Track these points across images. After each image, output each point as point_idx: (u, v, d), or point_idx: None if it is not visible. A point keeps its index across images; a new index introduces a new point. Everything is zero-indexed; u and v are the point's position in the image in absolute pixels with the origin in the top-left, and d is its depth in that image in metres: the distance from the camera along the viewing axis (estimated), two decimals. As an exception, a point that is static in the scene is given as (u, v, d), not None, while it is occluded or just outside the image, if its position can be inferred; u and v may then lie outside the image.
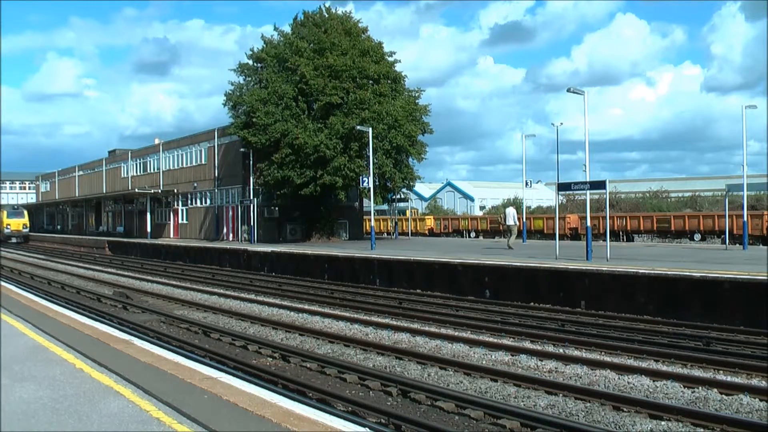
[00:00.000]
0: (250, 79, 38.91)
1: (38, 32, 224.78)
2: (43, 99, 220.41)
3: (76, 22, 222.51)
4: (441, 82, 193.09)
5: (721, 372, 10.51)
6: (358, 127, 32.96)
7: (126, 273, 31.41)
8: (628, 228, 41.12)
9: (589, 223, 22.75)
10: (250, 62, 39.46)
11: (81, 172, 73.14)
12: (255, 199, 39.97)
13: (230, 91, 39.02)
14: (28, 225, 68.67)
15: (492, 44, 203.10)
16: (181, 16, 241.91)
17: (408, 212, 56.06)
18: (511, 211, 29.25)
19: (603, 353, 11.98)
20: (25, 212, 69.99)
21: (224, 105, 39.36)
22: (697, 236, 37.81)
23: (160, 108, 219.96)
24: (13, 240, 64.47)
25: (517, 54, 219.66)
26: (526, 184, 38.72)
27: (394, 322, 15.71)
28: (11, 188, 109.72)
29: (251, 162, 39.36)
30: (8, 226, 65.56)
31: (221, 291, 22.96)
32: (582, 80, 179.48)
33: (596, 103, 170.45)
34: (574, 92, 22.92)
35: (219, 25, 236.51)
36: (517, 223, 29.53)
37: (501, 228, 34.44)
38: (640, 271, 17.08)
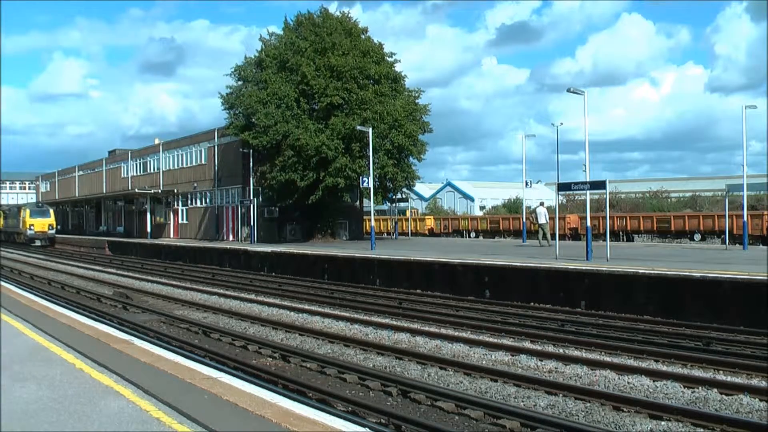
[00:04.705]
0: (249, 81, 38.86)
1: (44, 32, 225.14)
2: (48, 99, 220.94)
3: (81, 22, 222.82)
4: (446, 82, 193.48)
5: (721, 372, 10.50)
6: (359, 128, 32.98)
7: (126, 273, 31.41)
8: (628, 228, 41.13)
9: (589, 223, 22.75)
10: (246, 66, 39.45)
11: (81, 172, 73.16)
12: (255, 199, 39.99)
13: (227, 94, 39.03)
14: (55, 225, 60.09)
15: (498, 44, 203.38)
16: (187, 17, 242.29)
17: (408, 212, 56.07)
18: (541, 210, 29.23)
19: (603, 353, 11.97)
20: (51, 211, 60.80)
21: (222, 105, 39.47)
22: (697, 236, 37.81)
23: (163, 108, 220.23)
24: (37, 242, 57.08)
25: (521, 54, 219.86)
26: (526, 184, 38.77)
27: (394, 322, 15.70)
28: (11, 188, 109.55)
29: (251, 162, 39.38)
30: (32, 227, 57.67)
31: (221, 291, 22.96)
32: (586, 80, 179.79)
33: (599, 103, 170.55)
34: (574, 92, 22.92)
35: (224, 26, 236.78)
36: (548, 221, 29.39)
37: (532, 228, 34.55)
38: (640, 271, 17.08)
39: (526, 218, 37.50)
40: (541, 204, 30.62)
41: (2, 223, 67.06)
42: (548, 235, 28.88)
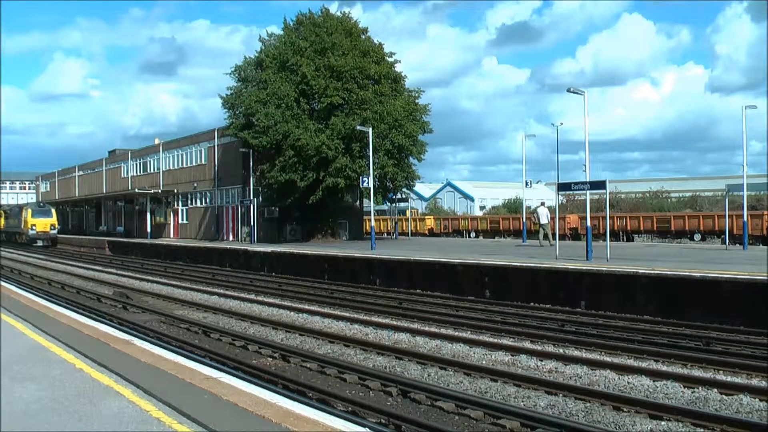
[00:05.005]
0: (249, 82, 38.84)
1: (45, 32, 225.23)
2: (49, 99, 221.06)
3: (82, 22, 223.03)
4: (446, 82, 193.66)
5: (721, 372, 10.50)
6: (359, 128, 32.98)
7: (126, 273, 31.42)
8: (628, 228, 41.12)
9: (589, 223, 22.73)
10: (246, 66, 39.42)
11: (81, 172, 73.15)
12: (255, 199, 39.99)
13: (228, 95, 39.01)
14: (57, 225, 59.41)
15: (499, 44, 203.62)
16: (187, 17, 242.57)
17: (408, 212, 56.05)
18: (543, 211, 29.18)
19: (603, 353, 11.98)
20: (53, 210, 60.41)
21: (223, 107, 39.46)
22: (697, 236, 37.81)
23: (164, 108, 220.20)
24: (39, 243, 56.19)
25: (522, 54, 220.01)
26: (526, 184, 38.77)
27: (394, 322, 15.71)
28: (11, 188, 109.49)
29: (251, 162, 39.39)
30: (33, 227, 56.78)
31: (221, 291, 22.96)
32: (587, 80, 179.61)
33: (600, 103, 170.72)
34: (574, 92, 22.92)
35: (225, 26, 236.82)
36: (549, 221, 29.34)
37: (533, 228, 34.58)
38: (640, 271, 17.08)
39: (527, 218, 37.50)
40: (542, 204, 30.56)
41: (3, 224, 66.59)
42: (549, 235, 28.87)
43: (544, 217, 29.03)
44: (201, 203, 48.43)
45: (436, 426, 8.07)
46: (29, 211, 58.77)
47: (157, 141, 58.56)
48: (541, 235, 29.80)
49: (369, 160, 32.50)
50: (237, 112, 38.63)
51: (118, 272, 32.01)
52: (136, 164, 59.18)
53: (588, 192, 24.36)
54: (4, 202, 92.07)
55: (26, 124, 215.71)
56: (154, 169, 55.26)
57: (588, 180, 22.28)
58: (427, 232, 53.98)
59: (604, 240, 22.95)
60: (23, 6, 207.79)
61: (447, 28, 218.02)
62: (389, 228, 50.52)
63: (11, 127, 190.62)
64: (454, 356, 12.05)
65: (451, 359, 11.65)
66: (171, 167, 52.54)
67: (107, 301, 20.77)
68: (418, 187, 68.09)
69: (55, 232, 58.72)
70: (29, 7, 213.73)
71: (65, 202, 75.01)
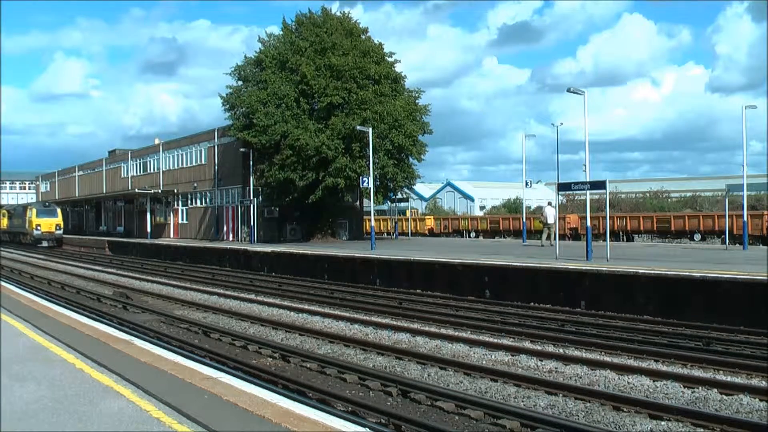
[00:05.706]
0: (249, 81, 38.83)
1: (45, 32, 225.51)
2: (50, 99, 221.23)
3: (82, 22, 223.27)
4: (447, 82, 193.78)
5: (721, 372, 10.50)
6: (359, 128, 32.96)
7: (126, 273, 31.41)
8: (628, 228, 41.10)
9: (589, 223, 22.72)
10: (246, 65, 39.40)
11: (81, 172, 73.14)
12: (255, 199, 39.98)
13: (228, 94, 38.97)
14: (62, 225, 58.35)
15: (499, 45, 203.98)
16: (188, 17, 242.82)
17: (408, 212, 56.04)
18: (551, 211, 29.15)
19: (603, 353, 11.97)
20: (58, 210, 59.14)
21: (222, 105, 39.42)
22: (697, 236, 37.80)
23: (164, 108, 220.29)
24: (44, 243, 55.27)
25: (522, 54, 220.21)
26: (527, 184, 38.79)
27: (394, 322, 15.71)
28: (11, 188, 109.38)
29: (251, 162, 39.39)
30: (38, 227, 55.92)
31: (221, 291, 22.96)
32: (587, 80, 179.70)
33: (600, 103, 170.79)
34: (574, 92, 22.92)
35: (225, 26, 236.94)
36: (555, 221, 29.28)
37: (532, 229, 34.62)
38: (640, 271, 17.08)
39: (527, 218, 37.48)
40: (549, 204, 30.51)
41: (7, 224, 66.22)
42: (551, 235, 28.87)
43: (551, 216, 28.99)
44: (201, 203, 48.43)
45: (436, 426, 8.06)
46: (34, 210, 57.85)
47: (157, 141, 58.55)
48: (544, 235, 29.77)
49: (369, 160, 32.49)
50: (237, 112, 38.62)
51: (118, 272, 32.01)
52: (136, 164, 59.16)
53: (588, 192, 24.35)
54: (4, 201, 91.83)
55: (26, 124, 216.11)
56: (154, 169, 55.25)
57: (588, 180, 22.28)
58: (427, 232, 53.96)
59: (604, 240, 22.95)
60: (23, 6, 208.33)
61: (447, 28, 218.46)
62: (389, 228, 50.50)
63: (11, 127, 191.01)
64: (454, 356, 12.05)
65: (451, 359, 11.65)
66: (171, 167, 52.52)
67: (107, 301, 20.77)
68: (418, 187, 68.05)
69: (60, 232, 57.84)
70: (29, 7, 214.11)
71: (65, 202, 74.94)
